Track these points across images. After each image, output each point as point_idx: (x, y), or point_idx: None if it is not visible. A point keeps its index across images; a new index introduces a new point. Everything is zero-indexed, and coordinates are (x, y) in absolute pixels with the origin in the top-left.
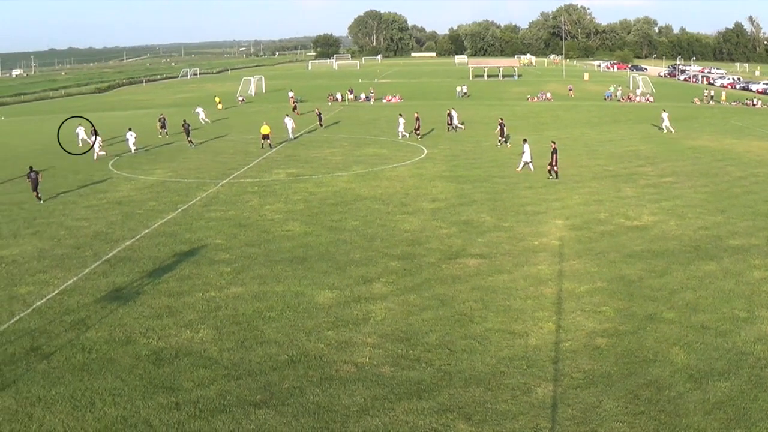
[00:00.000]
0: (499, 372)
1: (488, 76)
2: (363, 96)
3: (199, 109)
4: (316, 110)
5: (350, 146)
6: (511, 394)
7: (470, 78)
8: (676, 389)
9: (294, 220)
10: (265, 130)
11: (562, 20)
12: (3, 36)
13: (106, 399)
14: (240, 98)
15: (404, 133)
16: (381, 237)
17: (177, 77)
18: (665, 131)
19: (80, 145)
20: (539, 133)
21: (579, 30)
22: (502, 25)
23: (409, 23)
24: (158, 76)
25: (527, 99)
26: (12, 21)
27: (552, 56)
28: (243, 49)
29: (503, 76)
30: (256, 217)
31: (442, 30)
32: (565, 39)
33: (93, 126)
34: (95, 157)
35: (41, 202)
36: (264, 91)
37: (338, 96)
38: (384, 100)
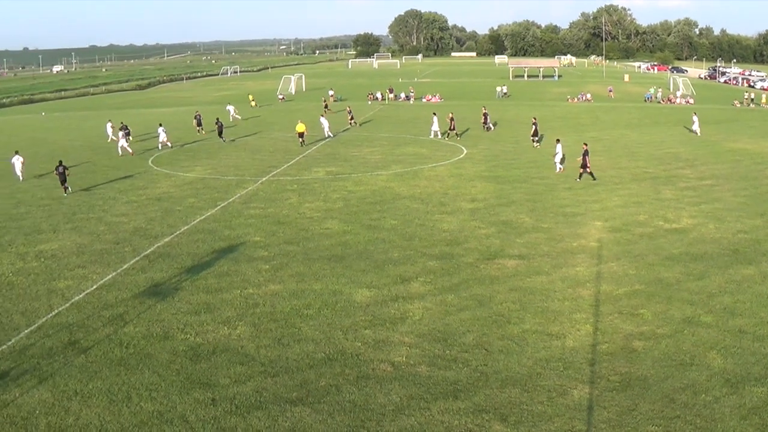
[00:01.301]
0: (535, 373)
1: (528, 76)
2: (403, 95)
3: (230, 107)
4: (347, 108)
5: (390, 145)
6: (547, 396)
7: (510, 78)
8: (712, 393)
9: (333, 219)
10: (300, 128)
11: (603, 21)
12: (44, 33)
13: (142, 394)
14: (280, 96)
15: (438, 132)
16: (419, 236)
17: (217, 75)
18: (698, 134)
19: (108, 141)
20: (579, 134)
21: (619, 31)
22: (543, 26)
23: (450, 23)
24: (199, 74)
25: (567, 100)
26: (53, 18)
27: (592, 57)
28: (283, 47)
29: (543, 76)
30: (295, 214)
31: (483, 30)
32: (606, 40)
33: (123, 123)
34: (120, 152)
35: (66, 195)
36: (304, 90)
37: (378, 95)
38: (424, 100)
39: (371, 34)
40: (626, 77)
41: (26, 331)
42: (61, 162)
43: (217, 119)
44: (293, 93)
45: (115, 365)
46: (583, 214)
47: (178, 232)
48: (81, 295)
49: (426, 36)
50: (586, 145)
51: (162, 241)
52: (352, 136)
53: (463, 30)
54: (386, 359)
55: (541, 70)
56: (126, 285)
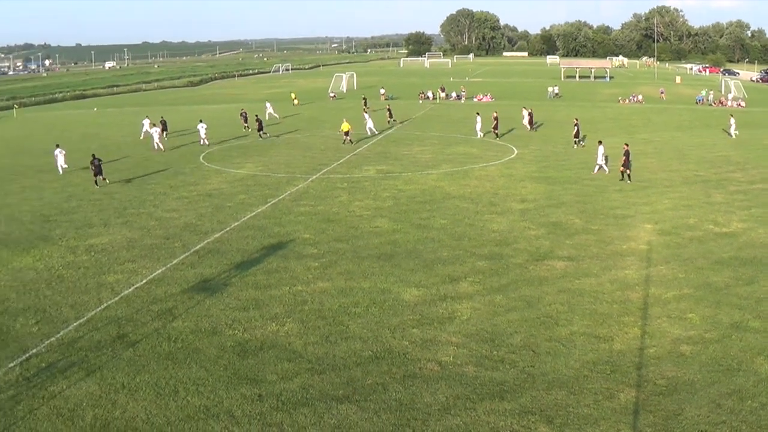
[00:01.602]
0: (582, 376)
1: (580, 77)
2: (454, 94)
3: (268, 104)
4: (387, 106)
5: (440, 144)
6: (593, 399)
7: (562, 78)
8: (758, 400)
9: (382, 217)
10: (345, 126)
11: (655, 22)
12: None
13: (189, 388)
14: (331, 95)
15: (481, 132)
16: (469, 236)
17: (269, 72)
18: (733, 136)
19: (142, 137)
20: (630, 135)
21: (671, 32)
22: (595, 26)
23: (501, 22)
24: (250, 71)
25: (618, 101)
26: (106, 14)
27: (644, 58)
28: (335, 45)
29: (595, 77)
30: (344, 212)
31: (534, 30)
32: (657, 41)
33: (162, 119)
34: (155, 148)
35: (98, 187)
36: (355, 88)
37: (429, 94)
38: (475, 99)
39: (423, 33)
40: (678, 79)
41: (75, 324)
42: (94, 155)
43: (256, 116)
44: (344, 91)
45: (163, 359)
46: (632, 217)
47: (228, 228)
48: (130, 289)
49: (477, 35)
50: (626, 145)
51: (212, 237)
52: (402, 135)
53: (514, 30)
54: (433, 359)
55: (593, 70)
56: (175, 280)
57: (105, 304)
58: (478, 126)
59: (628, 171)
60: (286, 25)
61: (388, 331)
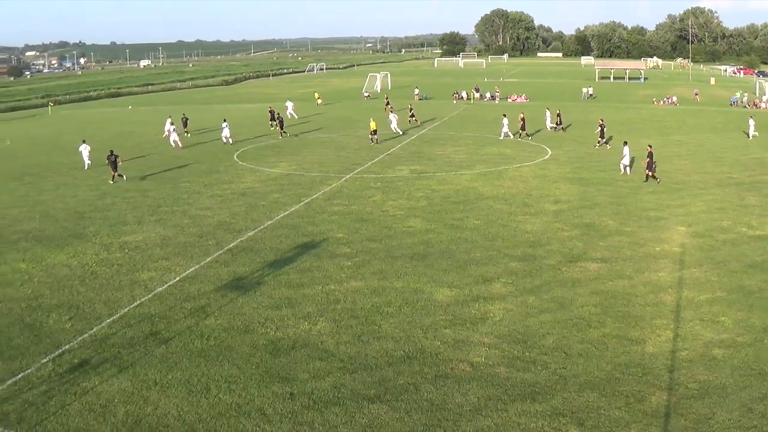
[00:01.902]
0: (614, 378)
1: (614, 78)
2: (488, 95)
3: (289, 103)
4: (409, 105)
5: (474, 145)
6: (625, 401)
7: (596, 79)
8: None
9: (416, 217)
10: (373, 125)
11: (689, 23)
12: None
13: (221, 386)
14: (366, 94)
15: (509, 133)
16: (502, 237)
17: (303, 72)
18: (750, 137)
19: (164, 134)
20: (664, 137)
21: (706, 33)
22: (629, 27)
23: (536, 23)
24: (285, 70)
25: (653, 102)
26: (141, 13)
27: (679, 60)
28: (369, 45)
29: (629, 78)
30: (378, 212)
31: (569, 30)
32: (692, 42)
33: (184, 116)
34: (173, 145)
35: (113, 182)
36: (389, 88)
37: (463, 94)
38: (509, 100)
39: (457, 33)
40: (712, 80)
41: (108, 321)
42: (112, 151)
43: (278, 114)
44: (379, 91)
45: (195, 357)
46: (666, 219)
47: (261, 227)
48: (163, 287)
49: (512, 36)
50: (650, 147)
51: (245, 236)
52: (436, 135)
53: (549, 30)
54: (465, 359)
55: (627, 71)
56: (208, 278)
57: (138, 301)
58: (504, 128)
59: (651, 172)
60: (320, 25)
61: (420, 331)
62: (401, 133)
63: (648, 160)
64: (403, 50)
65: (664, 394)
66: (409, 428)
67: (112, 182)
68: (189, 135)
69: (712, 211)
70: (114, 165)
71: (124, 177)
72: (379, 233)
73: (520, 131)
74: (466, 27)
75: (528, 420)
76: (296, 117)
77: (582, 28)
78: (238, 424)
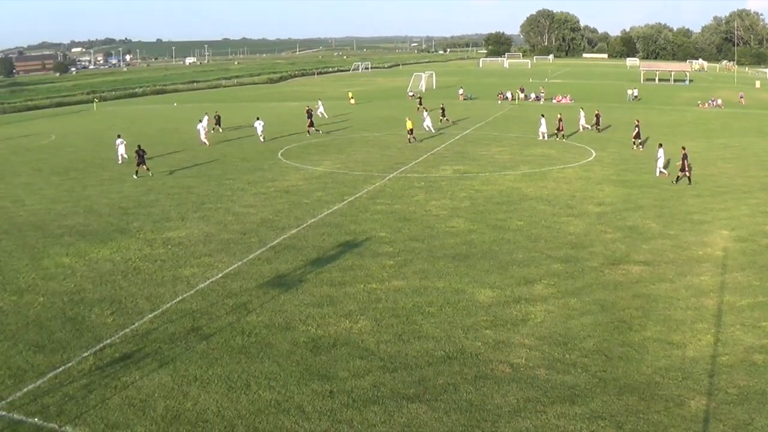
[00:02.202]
0: (654, 382)
1: (659, 80)
2: (533, 95)
3: (320, 102)
4: (441, 105)
5: (518, 145)
6: (664, 406)
7: (641, 81)
8: None
9: (458, 217)
10: (409, 125)
11: (735, 25)
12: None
13: (261, 382)
14: (410, 93)
15: (546, 133)
16: (545, 238)
17: (348, 71)
18: None
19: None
20: (709, 140)
21: (751, 36)
22: (675, 29)
23: (582, 23)
24: (330, 69)
25: (698, 105)
26: (187, 10)
27: (724, 62)
28: (414, 44)
29: (674, 80)
30: (421, 212)
31: (614, 31)
32: (737, 45)
33: (217, 113)
34: (201, 142)
35: (136, 177)
36: (434, 87)
37: (508, 95)
38: (554, 101)
39: (503, 33)
40: (758, 84)
41: (150, 316)
42: (139, 146)
43: (309, 111)
44: (423, 90)
45: (236, 353)
46: (710, 222)
47: (304, 225)
48: (206, 283)
49: (557, 36)
50: (684, 148)
51: (288, 233)
52: (480, 135)
53: (594, 31)
54: (505, 360)
55: (673, 74)
56: (251, 275)
57: (180, 297)
58: (542, 128)
59: (686, 174)
60: (366, 24)
61: (461, 332)
62: (434, 132)
63: (683, 161)
64: (448, 50)
65: (703, 399)
66: (448, 428)
67: (135, 176)
68: (221, 131)
69: (755, 215)
70: (142, 159)
71: (150, 172)
72: (421, 233)
73: (557, 132)
74: (512, 27)
75: (567, 423)
76: (326, 116)
77: (627, 30)
78: (277, 420)
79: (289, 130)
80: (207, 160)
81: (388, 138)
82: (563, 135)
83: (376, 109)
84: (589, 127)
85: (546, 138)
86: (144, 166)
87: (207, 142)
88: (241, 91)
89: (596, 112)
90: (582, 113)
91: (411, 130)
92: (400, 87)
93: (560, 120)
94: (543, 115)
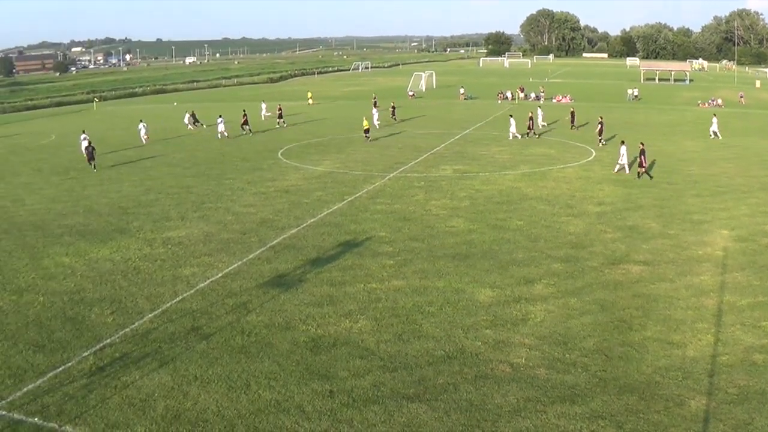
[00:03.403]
0: (654, 382)
1: (659, 79)
2: (533, 95)
3: (263, 105)
4: (392, 103)
5: (518, 145)
6: (664, 405)
7: (641, 81)
8: None
9: (458, 217)
10: (366, 124)
11: (735, 25)
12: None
13: (261, 382)
14: (410, 93)
15: (516, 134)
16: (545, 238)
17: (348, 70)
18: (712, 137)
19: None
20: (708, 139)
21: (751, 36)
22: (675, 28)
23: (582, 23)
24: (330, 69)
25: (698, 104)
26: (187, 10)
27: (724, 62)
28: (415, 44)
29: (674, 80)
30: (420, 211)
31: (614, 31)
32: (738, 44)
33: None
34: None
35: (95, 170)
36: (434, 87)
37: (508, 94)
38: (554, 100)
39: (503, 33)
40: (758, 83)
41: (150, 316)
42: (90, 142)
43: (279, 106)
44: (423, 90)
45: (236, 353)
46: (709, 222)
47: (304, 225)
48: (206, 283)
49: (557, 36)
50: (642, 144)
51: (288, 233)
52: (480, 135)
53: (594, 31)
54: (505, 360)
55: (673, 73)
56: (251, 274)
57: (180, 297)
58: (512, 128)
59: (644, 170)
60: (366, 24)
61: (461, 331)
62: (377, 127)
63: (640, 157)
64: (448, 50)
65: (703, 399)
66: (448, 428)
67: (94, 170)
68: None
69: (755, 215)
70: (90, 154)
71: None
72: (421, 232)
73: (528, 131)
74: (512, 27)
75: (567, 422)
76: (269, 115)
77: (627, 29)
78: (277, 420)
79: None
80: (206, 159)
81: (387, 138)
82: (534, 133)
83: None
84: (546, 124)
85: (519, 137)
86: (92, 162)
87: (226, 134)
88: (241, 91)
89: (571, 109)
90: (540, 112)
91: (367, 129)
92: (401, 87)
93: (531, 119)
94: (512, 116)
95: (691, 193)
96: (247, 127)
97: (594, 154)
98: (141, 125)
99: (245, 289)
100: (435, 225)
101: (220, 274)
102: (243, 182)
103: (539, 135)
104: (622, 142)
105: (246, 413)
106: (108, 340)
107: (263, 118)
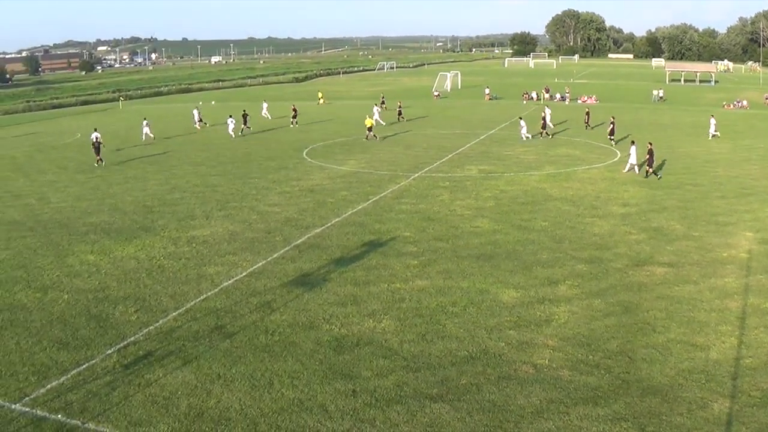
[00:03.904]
0: (677, 384)
1: (685, 80)
2: (558, 96)
3: (264, 104)
4: (398, 103)
5: (543, 146)
6: (687, 408)
7: (667, 82)
8: None
9: (483, 217)
10: (369, 122)
11: (761, 27)
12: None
13: (284, 381)
14: (435, 93)
15: (527, 135)
16: (569, 239)
17: (373, 70)
18: (710, 137)
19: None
20: (734, 141)
21: None
22: (700, 29)
23: (607, 24)
24: (355, 68)
25: (723, 106)
26: (212, 10)
27: (749, 63)
28: (440, 44)
29: (700, 81)
30: (445, 211)
31: (640, 32)
32: (763, 46)
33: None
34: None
35: (97, 165)
36: (459, 87)
37: (533, 94)
38: (579, 101)
39: (528, 33)
40: None
41: (174, 314)
42: (97, 138)
43: (294, 108)
44: (449, 90)
45: (260, 351)
46: (734, 224)
47: (329, 224)
48: (230, 282)
49: (583, 36)
50: (650, 144)
51: (313, 232)
52: (505, 135)
53: (620, 31)
54: (529, 361)
55: (698, 74)
56: (275, 273)
57: (204, 295)
58: (523, 131)
59: (651, 170)
60: (391, 24)
61: (484, 332)
62: (383, 124)
63: (648, 157)
64: (474, 50)
65: (726, 402)
66: (471, 428)
67: (96, 165)
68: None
69: None
70: (97, 149)
71: (103, 162)
72: (446, 233)
73: (542, 131)
74: (537, 27)
75: (590, 424)
76: (269, 117)
77: (653, 30)
78: (300, 419)
79: (314, 128)
80: (231, 158)
81: (412, 137)
82: (547, 133)
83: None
84: (552, 125)
85: (531, 138)
86: (98, 157)
87: (233, 135)
88: (266, 90)
89: (587, 110)
90: (548, 110)
91: (370, 127)
92: (426, 87)
93: (543, 118)
94: (521, 118)
95: (715, 195)
96: (244, 126)
97: (619, 155)
98: (144, 123)
99: (269, 288)
100: (459, 225)
101: (244, 273)
102: (268, 181)
103: (552, 135)
104: (632, 142)
105: (269, 412)
106: (132, 338)
107: (267, 117)
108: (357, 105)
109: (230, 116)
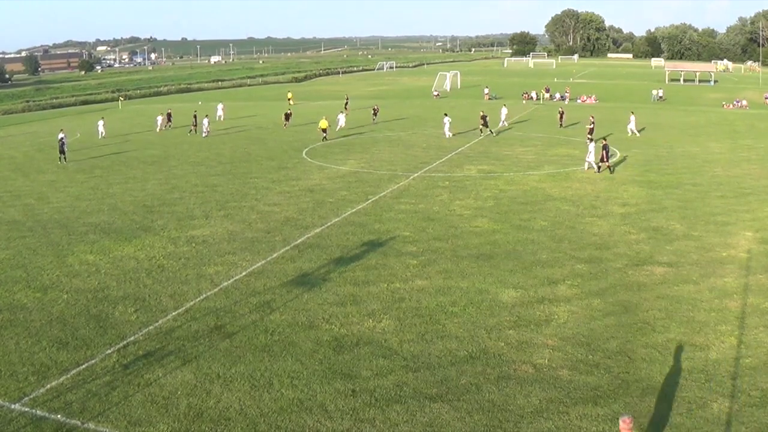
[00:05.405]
0: (677, 384)
1: (684, 80)
2: (558, 95)
3: (220, 105)
4: (374, 106)
5: (543, 145)
6: (686, 408)
7: (666, 81)
8: None
9: (483, 217)
10: (323, 124)
11: (760, 26)
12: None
13: (284, 381)
14: (435, 93)
15: (449, 133)
16: (569, 239)
17: (373, 70)
18: (630, 134)
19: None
20: (733, 141)
21: None
22: (700, 29)
23: (606, 23)
24: (354, 68)
25: (722, 105)
26: (212, 9)
27: (749, 63)
28: (440, 44)
29: (699, 80)
30: (445, 211)
31: (639, 32)
32: (763, 46)
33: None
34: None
35: (61, 163)
36: (459, 87)
37: (533, 94)
38: (579, 101)
39: (527, 33)
40: None
41: (173, 314)
42: (62, 138)
43: (289, 108)
44: (448, 90)
45: (259, 351)
46: (734, 224)
47: (328, 224)
48: (229, 281)
49: (582, 36)
50: (605, 140)
51: (312, 232)
52: (505, 135)
53: (619, 31)
54: (528, 361)
55: (697, 74)
56: (274, 273)
57: (204, 295)
58: (446, 127)
59: (607, 164)
60: (391, 23)
61: (484, 332)
62: (343, 127)
63: (603, 153)
64: (473, 50)
65: (726, 402)
66: (470, 428)
67: (59, 162)
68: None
69: None
70: (61, 148)
71: (66, 161)
72: (445, 232)
73: (481, 127)
74: (537, 27)
75: (589, 424)
76: (223, 118)
77: (652, 30)
78: (300, 419)
79: (311, 128)
80: (231, 159)
81: (412, 137)
82: (490, 130)
83: (402, 108)
84: (507, 124)
85: (451, 135)
86: (63, 155)
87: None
88: (265, 90)
89: (481, 113)
90: (504, 110)
91: (325, 128)
92: (425, 86)
93: (483, 116)
94: (446, 114)
95: (715, 195)
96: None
97: (618, 155)
98: (100, 122)
99: (269, 288)
100: (459, 225)
101: (243, 273)
102: (268, 181)
103: (497, 133)
104: (591, 140)
105: (268, 412)
106: (131, 338)
107: (219, 119)
108: (377, 104)
109: (206, 116)
